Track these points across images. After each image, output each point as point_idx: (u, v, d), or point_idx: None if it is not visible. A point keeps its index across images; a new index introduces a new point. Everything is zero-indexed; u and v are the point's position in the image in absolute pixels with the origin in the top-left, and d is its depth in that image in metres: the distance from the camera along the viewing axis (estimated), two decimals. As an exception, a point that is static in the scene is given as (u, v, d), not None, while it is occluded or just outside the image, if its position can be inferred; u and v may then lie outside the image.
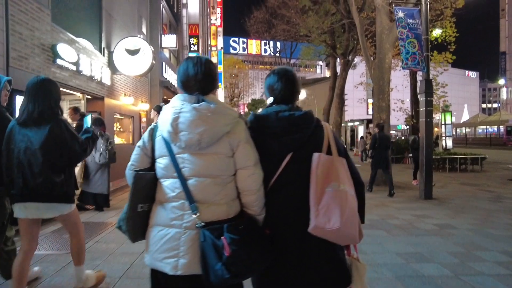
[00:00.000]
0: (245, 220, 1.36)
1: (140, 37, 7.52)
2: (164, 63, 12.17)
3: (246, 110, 64.63)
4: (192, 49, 16.74)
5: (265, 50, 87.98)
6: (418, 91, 7.53)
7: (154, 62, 7.68)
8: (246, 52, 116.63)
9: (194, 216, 1.29)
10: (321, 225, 1.24)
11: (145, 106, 10.19)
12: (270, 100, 1.46)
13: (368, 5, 11.95)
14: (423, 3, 7.10)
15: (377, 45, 9.22)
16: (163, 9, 13.84)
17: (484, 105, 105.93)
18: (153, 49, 7.68)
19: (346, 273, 1.40)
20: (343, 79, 16.85)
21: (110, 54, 7.53)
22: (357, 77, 30.80)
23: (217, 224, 1.29)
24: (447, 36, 17.48)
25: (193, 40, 16.70)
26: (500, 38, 66.29)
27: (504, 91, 63.28)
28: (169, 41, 11.76)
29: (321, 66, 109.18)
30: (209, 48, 32.28)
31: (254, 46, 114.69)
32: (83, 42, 6.51)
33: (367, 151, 18.18)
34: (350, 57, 17.13)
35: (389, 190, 7.47)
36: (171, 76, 13.25)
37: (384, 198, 7.23)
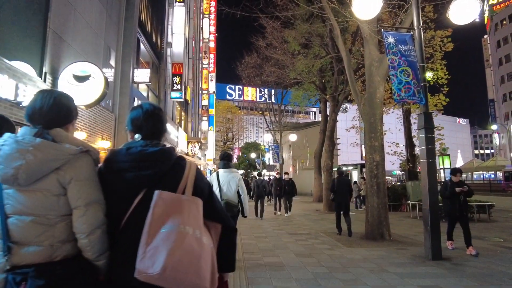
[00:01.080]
0: (63, 264, 1.21)
1: (94, 64, 6.50)
2: (136, 98, 11.16)
3: (240, 154, 63.73)
4: (175, 88, 15.96)
5: (260, 97, 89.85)
6: (417, 127, 6.36)
7: (107, 90, 6.58)
8: (242, 99, 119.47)
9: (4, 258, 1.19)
10: (144, 269, 1.11)
11: (106, 144, 8.94)
12: (137, 136, 1.36)
13: (358, 39, 11.28)
14: (415, 27, 6.23)
15: (367, 78, 8.30)
16: (142, 45, 13.18)
17: (476, 151, 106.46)
18: (106, 75, 6.62)
19: None
20: (333, 121, 15.95)
21: (55, 80, 6.45)
22: (350, 121, 30.43)
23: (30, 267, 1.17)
24: (438, 78, 17.03)
25: (176, 79, 15.97)
26: (488, 86, 68.02)
27: (496, 137, 63.42)
28: (142, 75, 10.86)
29: (314, 112, 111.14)
30: (200, 91, 31.98)
31: (250, 93, 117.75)
32: (18, 65, 5.41)
33: (361, 197, 16.77)
34: (340, 97, 16.39)
35: (348, 231, 8.09)
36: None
37: (381, 259, 5.77)
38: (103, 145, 8.79)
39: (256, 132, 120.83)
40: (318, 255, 5.93)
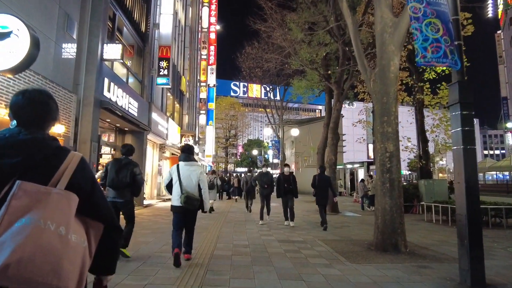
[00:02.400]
0: None
1: (18, 18, 4.93)
2: (107, 79, 9.60)
3: (241, 150, 62.15)
4: (161, 73, 14.40)
5: (265, 94, 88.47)
6: (448, 102, 4.64)
7: (35, 51, 4.99)
8: (246, 96, 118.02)
9: None
10: None
11: (60, 129, 7.39)
12: (13, 123, 1.22)
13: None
14: (447, -34, 4.54)
15: (378, 49, 6.62)
16: (123, 25, 11.62)
17: (486, 151, 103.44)
18: (35, 34, 5.03)
19: None
20: (338, 111, 14.25)
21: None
22: (357, 115, 28.65)
23: None
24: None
25: (163, 63, 14.41)
26: (500, 83, 65.36)
27: (509, 136, 60.90)
28: (112, 51, 9.29)
29: (320, 110, 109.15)
30: (198, 83, 30.42)
31: (255, 90, 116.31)
32: None
33: (368, 196, 15.09)
34: (346, 85, 14.69)
35: (322, 224, 8.52)
36: (120, 97, 10.61)
37: (399, 286, 4.12)
38: (55, 129, 7.24)
39: (260, 130, 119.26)
40: (310, 276, 4.29)
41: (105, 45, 9.31)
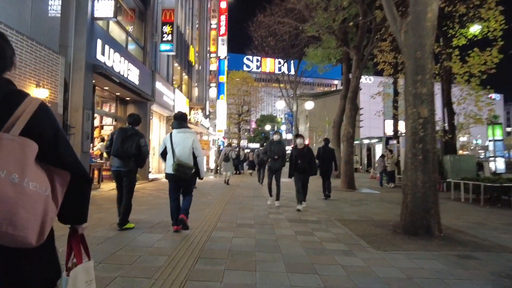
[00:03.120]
0: None
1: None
2: (100, 40, 8.67)
3: (254, 126, 61.28)
4: (165, 38, 13.35)
5: (279, 68, 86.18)
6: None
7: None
8: (260, 70, 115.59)
9: None
10: None
11: (42, 93, 6.58)
12: None
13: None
14: None
15: (412, -8, 5.41)
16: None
17: (509, 129, 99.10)
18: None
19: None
20: (357, 79, 13.00)
21: None
22: (373, 89, 27.02)
23: None
24: (490, 31, 13.60)
25: (166, 28, 13.32)
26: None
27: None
28: (104, 9, 8.29)
29: (336, 85, 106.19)
30: (208, 54, 29.16)
31: (268, 64, 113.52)
32: None
33: (386, 171, 14.08)
34: (366, 50, 13.33)
35: (325, 193, 9.00)
36: (117, 63, 9.70)
37: (442, 283, 3.22)
38: (38, 93, 6.42)
39: (274, 105, 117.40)
40: (326, 268, 3.43)
41: (95, 1, 8.31)
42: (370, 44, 13.16)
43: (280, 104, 21.98)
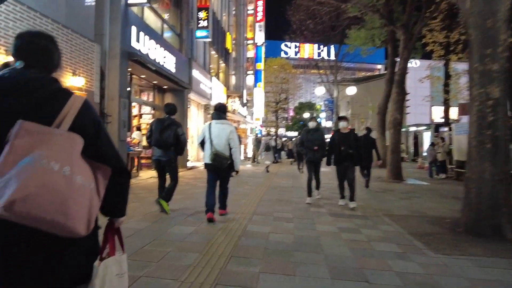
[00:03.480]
0: None
1: None
2: (135, 27, 8.57)
3: (292, 114, 60.30)
4: (201, 24, 13.11)
5: (319, 54, 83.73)
6: None
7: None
8: (298, 57, 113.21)
9: None
10: None
11: (79, 81, 6.57)
12: (17, 64, 1.16)
13: None
14: None
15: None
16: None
17: None
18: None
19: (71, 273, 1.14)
20: (405, 61, 11.91)
21: None
22: (419, 74, 24.92)
23: None
24: None
25: (202, 14, 13.07)
26: None
27: None
28: (138, -6, 8.13)
29: (379, 69, 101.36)
30: (245, 41, 28.74)
31: (307, 50, 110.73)
32: None
33: (437, 162, 12.92)
34: (415, 28, 12.13)
35: (366, 182, 8.89)
36: (152, 50, 9.60)
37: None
38: (74, 82, 6.42)
39: (312, 92, 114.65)
40: (378, 275, 2.93)
41: (129, -14, 8.17)
42: (419, 22, 11.94)
43: (320, 90, 21.08)
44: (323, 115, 52.30)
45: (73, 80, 6.43)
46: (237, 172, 4.84)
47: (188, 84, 12.66)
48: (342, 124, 6.38)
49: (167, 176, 5.13)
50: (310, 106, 51.08)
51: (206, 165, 4.72)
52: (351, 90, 20.80)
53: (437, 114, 38.28)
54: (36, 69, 1.16)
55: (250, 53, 28.17)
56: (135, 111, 12.21)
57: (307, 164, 6.56)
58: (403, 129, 25.41)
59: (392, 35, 15.82)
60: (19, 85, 1.10)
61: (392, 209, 6.13)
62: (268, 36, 46.20)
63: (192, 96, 14.28)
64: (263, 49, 33.58)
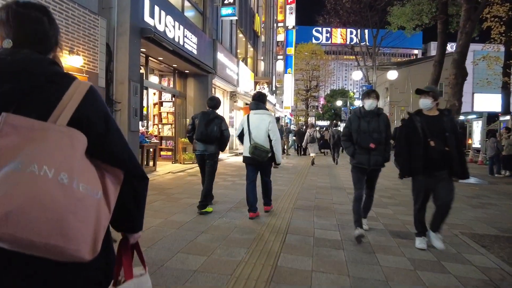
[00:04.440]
0: None
1: None
2: (148, 1, 7.39)
3: (323, 102, 57.96)
4: (226, 1, 11.78)
5: (351, 39, 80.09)
6: None
7: None
8: (330, 42, 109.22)
9: None
10: None
11: (77, 60, 5.50)
12: (6, 42, 0.93)
13: None
14: None
15: None
16: None
17: None
18: None
19: None
20: (467, 35, 9.95)
21: None
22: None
23: None
24: None
25: (227, -11, 11.72)
26: None
27: None
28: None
29: (416, 55, 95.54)
30: (275, 24, 27.07)
31: (339, 35, 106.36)
32: None
33: (500, 158, 11.00)
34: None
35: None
36: (170, 28, 8.42)
37: None
38: (71, 62, 5.36)
39: (345, 80, 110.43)
40: None
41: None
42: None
43: (357, 75, 19.17)
44: (357, 102, 49.64)
45: (69, 60, 5.37)
46: (278, 165, 4.65)
47: (212, 68, 11.45)
48: (424, 102, 3.49)
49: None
50: (343, 93, 48.53)
51: (245, 158, 4.50)
52: (392, 75, 18.75)
53: (481, 102, 34.59)
54: (28, 48, 0.93)
55: (280, 37, 26.52)
56: (155, 99, 11.23)
57: (356, 173, 3.92)
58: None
59: (443, 8, 13.72)
60: (5, 70, 0.88)
61: (470, 223, 4.62)
62: (298, 22, 43.90)
63: (217, 82, 13.09)
64: (294, 33, 31.75)
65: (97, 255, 0.85)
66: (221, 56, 12.62)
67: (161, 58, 9.26)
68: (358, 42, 27.85)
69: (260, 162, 4.40)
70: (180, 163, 10.27)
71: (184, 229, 3.86)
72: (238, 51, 17.74)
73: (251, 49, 20.48)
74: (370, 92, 3.87)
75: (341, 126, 29.25)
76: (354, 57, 26.52)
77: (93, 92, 0.93)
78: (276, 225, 4.15)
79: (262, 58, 22.87)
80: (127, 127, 6.79)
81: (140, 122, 8.58)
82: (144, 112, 11.60)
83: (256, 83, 19.21)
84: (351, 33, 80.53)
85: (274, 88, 26.81)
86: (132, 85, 6.87)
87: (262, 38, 22.89)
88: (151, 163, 8.48)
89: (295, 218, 4.55)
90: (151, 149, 8.43)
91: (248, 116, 4.51)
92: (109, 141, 0.93)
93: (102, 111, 0.94)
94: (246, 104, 19.20)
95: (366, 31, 27.15)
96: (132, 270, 1.03)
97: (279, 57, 26.97)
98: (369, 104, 3.80)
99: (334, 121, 30.63)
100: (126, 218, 1.02)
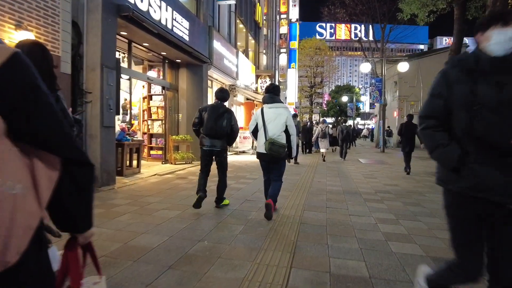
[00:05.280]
0: None
1: None
2: (126, -28, 6.26)
3: (328, 98, 56.65)
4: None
5: (355, 35, 78.55)
6: None
7: None
8: (334, 38, 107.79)
9: None
10: None
11: (27, 36, 4.39)
12: None
13: None
14: None
15: None
16: None
17: None
18: None
19: None
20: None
21: None
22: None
23: None
24: None
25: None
26: None
27: None
28: None
29: (421, 49, 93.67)
30: (278, 16, 25.86)
31: (343, 31, 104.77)
32: None
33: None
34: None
35: (406, 167, 8.85)
36: (155, 7, 7.31)
37: None
38: (18, 38, 4.24)
39: (350, 75, 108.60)
40: None
41: None
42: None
43: (365, 67, 17.93)
44: (364, 98, 48.28)
45: (16, 35, 4.27)
46: (297, 163, 4.50)
47: (207, 57, 10.32)
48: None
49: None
50: (348, 89, 47.14)
51: (259, 154, 4.26)
52: (403, 66, 17.49)
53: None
54: None
55: (283, 29, 25.31)
56: (144, 92, 10.14)
57: (462, 215, 1.65)
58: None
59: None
60: None
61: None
62: (302, 17, 42.43)
63: (214, 74, 11.97)
64: (297, 26, 30.50)
65: (21, 262, 0.71)
66: (218, 45, 11.48)
67: (147, 44, 8.14)
68: (364, 36, 26.78)
69: (276, 158, 4.11)
70: (171, 163, 9.17)
71: (143, 261, 2.71)
72: (239, 43, 16.60)
73: (253, 41, 19.31)
74: (506, 14, 1.55)
75: (348, 123, 27.95)
76: (359, 53, 25.50)
77: (17, 60, 0.75)
78: (277, 254, 3.00)
79: (264, 51, 21.70)
80: (100, 122, 5.68)
81: (119, 117, 7.50)
82: (134, 107, 10.54)
83: (257, 76, 18.05)
84: (355, 28, 79.17)
85: (277, 83, 25.65)
86: (105, 72, 5.75)
87: (264, 31, 21.71)
88: (135, 164, 7.40)
89: (302, 240, 3.40)
90: (134, 148, 7.35)
91: (262, 110, 4.22)
92: (36, 120, 0.77)
93: (27, 83, 0.77)
94: (248, 99, 18.05)
95: (370, 26, 25.98)
96: (81, 277, 0.93)
97: (282, 50, 25.77)
98: (505, 38, 1.52)
99: (343, 117, 29.43)
100: (67, 215, 0.87)
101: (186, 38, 8.86)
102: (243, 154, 13.72)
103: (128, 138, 7.09)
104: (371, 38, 27.54)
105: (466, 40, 21.50)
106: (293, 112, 10.58)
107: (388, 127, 21.37)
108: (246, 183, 6.72)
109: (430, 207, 5.06)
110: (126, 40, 7.72)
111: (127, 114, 8.95)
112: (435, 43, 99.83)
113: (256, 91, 17.53)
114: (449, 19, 15.27)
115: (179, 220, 3.91)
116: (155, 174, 7.38)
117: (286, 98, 29.94)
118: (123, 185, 5.99)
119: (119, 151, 6.85)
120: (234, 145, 14.93)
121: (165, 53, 9.05)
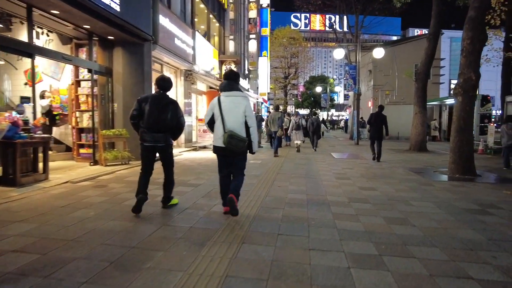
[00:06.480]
0: None
1: None
2: None
3: (302, 89, 55.56)
4: None
5: (330, 25, 77.96)
6: None
7: None
8: (308, 29, 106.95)
9: None
10: None
11: None
12: None
13: None
14: None
15: None
16: None
17: None
18: None
19: None
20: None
21: None
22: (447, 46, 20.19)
23: None
24: None
25: None
26: None
27: None
28: None
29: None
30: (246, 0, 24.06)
31: (318, 22, 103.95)
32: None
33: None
34: None
35: (377, 156, 9.59)
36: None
37: None
38: None
39: (325, 66, 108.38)
40: None
41: None
42: None
43: (339, 53, 16.59)
44: (338, 89, 47.43)
45: None
46: (253, 153, 3.97)
47: (149, 35, 8.52)
48: None
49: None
50: (322, 79, 46.15)
51: (216, 148, 3.83)
52: (379, 52, 16.33)
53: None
54: None
55: (252, 13, 23.58)
56: (69, 78, 8.25)
57: None
58: (435, 103, 20.95)
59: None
60: None
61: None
62: (276, 7, 40.61)
63: (163, 55, 10.19)
64: (268, 11, 28.86)
65: None
66: (165, 22, 9.69)
67: (57, 12, 6.25)
68: (338, 27, 25.62)
69: (235, 152, 3.76)
70: (101, 164, 7.40)
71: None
72: (202, 26, 14.79)
73: (217, 24, 17.51)
74: None
75: (320, 114, 26.70)
76: (334, 44, 24.44)
77: None
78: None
79: (231, 37, 19.92)
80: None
81: (27, 105, 5.71)
82: (64, 96, 8.63)
83: (221, 62, 16.34)
84: (330, 19, 78.51)
85: (247, 72, 23.98)
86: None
87: (232, 15, 19.92)
88: (41, 168, 5.60)
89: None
90: (38, 148, 5.55)
91: (219, 99, 3.84)
92: None
93: None
94: (211, 88, 16.33)
95: (345, 17, 24.90)
96: None
97: (251, 36, 24.07)
98: None
99: (313, 109, 28.28)
100: None
101: (117, 7, 7.03)
102: (204, 150, 12.06)
103: (24, 135, 5.27)
104: (345, 29, 26.50)
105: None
106: (265, 107, 9.02)
107: (361, 118, 20.31)
108: (189, 190, 5.11)
109: (422, 225, 3.67)
110: (25, 5, 5.84)
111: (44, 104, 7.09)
112: (407, 34, 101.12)
113: (220, 79, 15.82)
114: (422, 10, 14.38)
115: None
116: (67, 182, 5.63)
117: (258, 88, 28.37)
118: (1, 202, 4.23)
119: (10, 153, 5.07)
120: (194, 139, 13.23)
121: (88, 26, 7.18)
